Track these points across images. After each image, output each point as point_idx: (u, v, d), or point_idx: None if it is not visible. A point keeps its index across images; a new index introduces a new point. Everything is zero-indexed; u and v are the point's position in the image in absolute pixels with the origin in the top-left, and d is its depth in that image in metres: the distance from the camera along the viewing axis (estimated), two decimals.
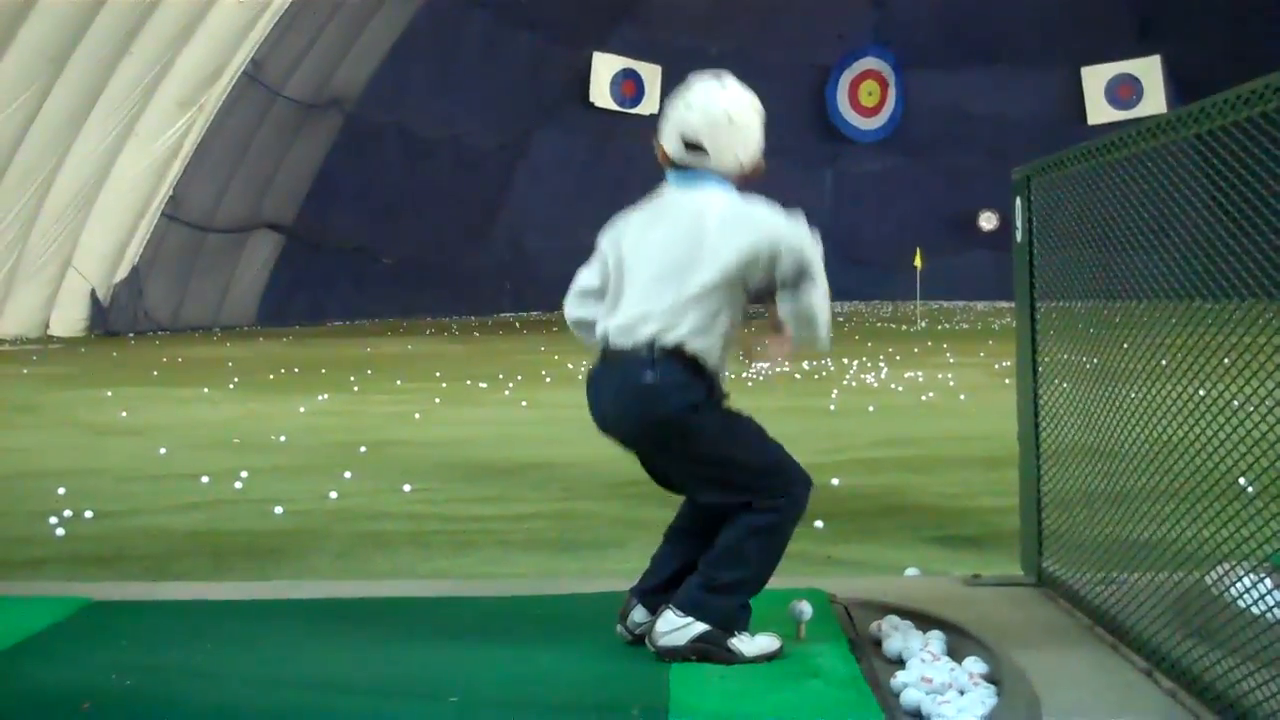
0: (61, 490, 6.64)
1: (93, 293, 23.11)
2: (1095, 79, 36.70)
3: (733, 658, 3.30)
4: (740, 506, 3.39)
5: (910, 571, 4.59)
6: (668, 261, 3.37)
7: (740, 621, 3.39)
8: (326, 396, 11.78)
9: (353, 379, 13.62)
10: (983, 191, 33.84)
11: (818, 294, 3.38)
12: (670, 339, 3.32)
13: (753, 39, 35.46)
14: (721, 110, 3.44)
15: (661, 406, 3.32)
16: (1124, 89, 36.16)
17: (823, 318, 3.42)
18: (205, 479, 7.00)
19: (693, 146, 3.44)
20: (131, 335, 23.07)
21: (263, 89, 24.16)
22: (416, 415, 10.15)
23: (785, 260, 3.31)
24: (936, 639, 3.39)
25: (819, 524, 5.57)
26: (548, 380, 13.13)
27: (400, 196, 30.03)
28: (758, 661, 3.31)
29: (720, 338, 3.38)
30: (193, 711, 2.99)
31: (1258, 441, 2.65)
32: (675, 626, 3.34)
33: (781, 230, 3.33)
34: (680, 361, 3.33)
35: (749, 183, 3.49)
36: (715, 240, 3.33)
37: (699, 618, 3.33)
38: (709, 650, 3.31)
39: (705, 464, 3.41)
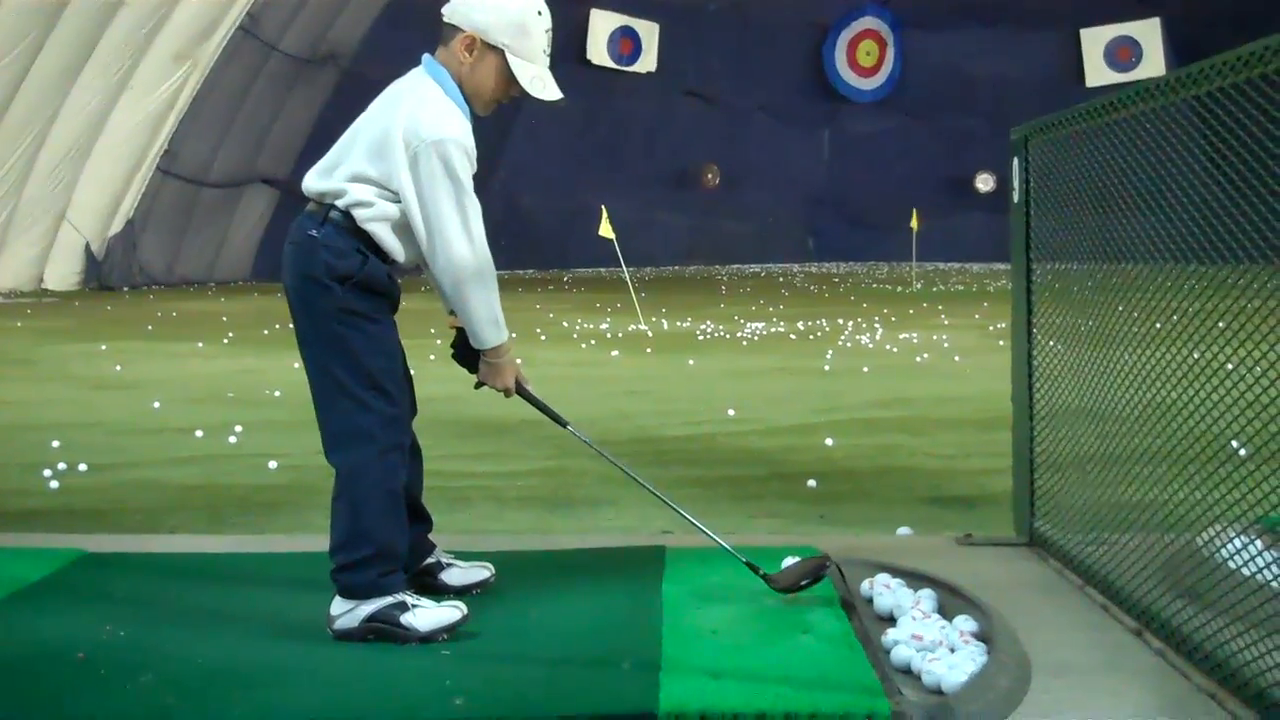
0: (56, 443, 6.64)
1: (87, 247, 23.03)
2: (1094, 41, 36.46)
3: (408, 635, 3.18)
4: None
5: (902, 530, 4.61)
6: None
7: (383, 588, 3.23)
8: None
9: None
10: (980, 153, 33.66)
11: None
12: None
13: None
14: None
15: None
16: (1123, 51, 35.94)
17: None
18: (200, 433, 7.01)
19: None
20: (126, 289, 23.02)
21: (258, 43, 24.01)
22: (411, 372, 10.12)
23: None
24: (927, 597, 3.41)
25: (812, 483, 5.59)
26: (543, 339, 13.12)
27: None
28: (433, 638, 3.18)
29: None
30: (186, 662, 3.00)
31: (1250, 404, 2.65)
32: (345, 610, 3.24)
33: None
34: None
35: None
36: None
37: (351, 598, 3.23)
38: (381, 629, 3.20)
39: None
